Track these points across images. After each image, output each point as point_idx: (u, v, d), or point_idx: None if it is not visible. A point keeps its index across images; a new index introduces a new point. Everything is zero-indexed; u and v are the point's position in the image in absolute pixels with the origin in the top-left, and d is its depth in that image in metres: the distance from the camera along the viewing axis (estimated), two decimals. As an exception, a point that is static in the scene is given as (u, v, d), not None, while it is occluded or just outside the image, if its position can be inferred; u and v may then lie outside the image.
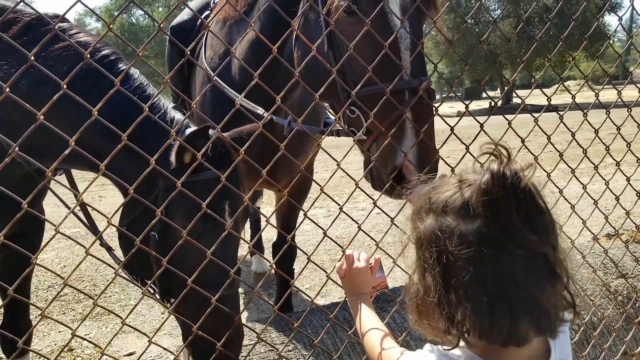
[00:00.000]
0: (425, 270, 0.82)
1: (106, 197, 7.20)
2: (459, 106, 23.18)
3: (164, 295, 1.44)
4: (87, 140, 1.05)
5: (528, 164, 0.81)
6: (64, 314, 3.38)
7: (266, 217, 1.23)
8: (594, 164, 1.72)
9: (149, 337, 1.08)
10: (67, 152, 0.90)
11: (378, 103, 1.27)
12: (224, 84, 1.85)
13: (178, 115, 1.50)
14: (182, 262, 1.25)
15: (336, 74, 1.23)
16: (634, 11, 1.75)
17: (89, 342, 1.06)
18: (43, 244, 1.75)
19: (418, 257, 0.85)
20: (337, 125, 1.51)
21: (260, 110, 1.76)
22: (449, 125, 1.38)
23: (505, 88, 29.16)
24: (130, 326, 1.04)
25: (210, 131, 1.32)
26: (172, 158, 1.29)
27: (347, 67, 1.38)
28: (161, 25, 1.01)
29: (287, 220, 2.64)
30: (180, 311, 1.36)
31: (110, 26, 0.92)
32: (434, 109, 1.41)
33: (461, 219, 0.78)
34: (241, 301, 3.51)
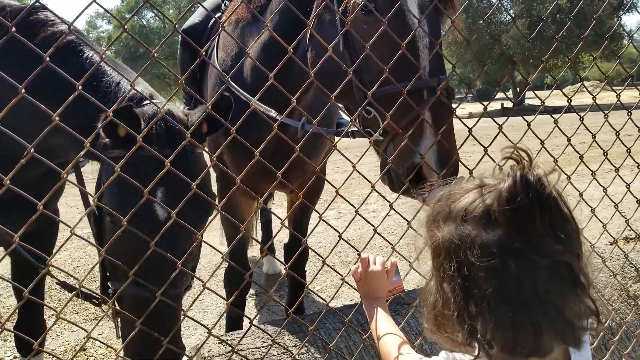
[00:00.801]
0: (444, 281, 0.79)
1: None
2: (470, 107, 23.02)
3: (103, 290, 1.32)
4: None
5: (551, 169, 0.78)
6: (77, 313, 3.40)
7: (281, 219, 1.22)
8: (615, 167, 1.68)
9: (162, 339, 1.07)
10: (82, 152, 0.89)
11: (395, 103, 1.24)
12: (236, 86, 1.84)
13: (125, 85, 1.31)
14: (115, 254, 1.13)
15: (352, 74, 1.21)
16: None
17: (102, 343, 1.06)
18: (57, 246, 1.75)
19: (435, 267, 0.81)
20: (353, 126, 1.49)
21: (273, 113, 1.75)
22: (467, 127, 1.35)
23: (518, 89, 28.95)
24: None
25: (167, 107, 1.18)
26: (101, 131, 1.13)
27: (364, 67, 1.35)
28: (176, 26, 1.00)
29: (299, 222, 2.63)
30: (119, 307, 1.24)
31: (125, 27, 0.91)
32: (453, 108, 1.38)
33: (482, 228, 0.74)
34: (252, 303, 3.51)
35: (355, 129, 1.47)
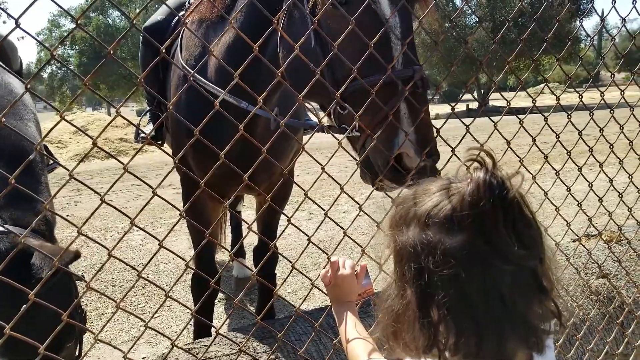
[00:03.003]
0: (405, 286, 0.76)
1: (82, 202, 7.03)
2: (437, 109, 23.44)
3: None
4: None
5: (514, 172, 0.76)
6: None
7: (248, 223, 1.18)
8: (578, 166, 1.72)
9: (123, 352, 1.02)
10: None
11: (369, 97, 1.22)
12: (204, 80, 1.79)
13: None
14: None
15: (319, 74, 1.19)
16: (600, 17, 1.76)
17: (57, 358, 1.00)
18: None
19: (396, 272, 0.79)
20: (326, 122, 1.46)
21: (244, 104, 1.70)
22: (435, 128, 1.35)
23: (482, 91, 29.66)
24: (102, 341, 0.98)
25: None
26: None
27: (337, 63, 1.33)
28: (134, 22, 0.95)
29: (268, 225, 2.59)
30: None
31: (79, 22, 0.86)
32: (427, 97, 1.36)
33: (445, 233, 0.72)
34: (222, 308, 3.45)
35: (330, 124, 1.45)
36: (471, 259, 0.70)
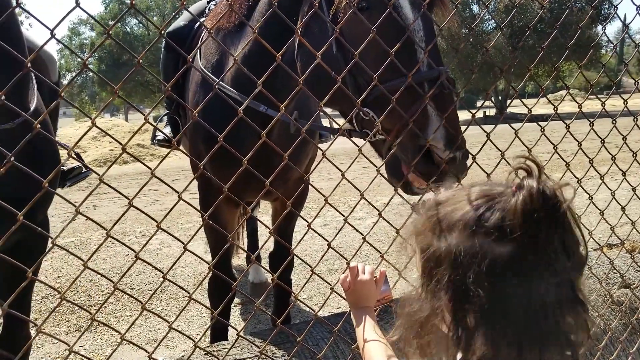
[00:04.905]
0: (439, 293, 0.73)
1: (100, 207, 7.14)
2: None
3: None
4: None
5: (564, 183, 0.74)
6: (58, 325, 3.32)
7: (269, 228, 1.20)
8: (600, 174, 1.70)
9: (148, 352, 1.04)
10: None
11: (392, 103, 1.23)
12: (226, 86, 1.82)
13: None
14: None
15: (348, 76, 1.19)
16: (623, 23, 1.74)
17: (84, 357, 1.02)
18: (40, 259, 1.70)
19: (429, 277, 0.76)
20: (347, 127, 1.46)
21: (262, 108, 1.73)
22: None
23: (500, 98, 29.40)
24: (128, 341, 1.00)
25: None
26: None
27: (359, 68, 1.33)
28: (162, 32, 0.98)
29: (284, 230, 2.61)
30: None
31: (110, 32, 0.89)
32: (455, 97, 1.35)
33: (493, 242, 0.69)
34: (238, 312, 3.47)
35: (352, 128, 1.45)
36: (519, 270, 0.68)
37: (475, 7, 28.81)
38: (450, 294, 0.72)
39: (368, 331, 1.11)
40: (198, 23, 2.37)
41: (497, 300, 0.69)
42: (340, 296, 1.28)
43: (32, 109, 1.67)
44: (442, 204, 0.78)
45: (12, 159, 0.79)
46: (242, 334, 1.30)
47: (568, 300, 0.71)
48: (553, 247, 0.69)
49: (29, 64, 0.83)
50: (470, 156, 1.34)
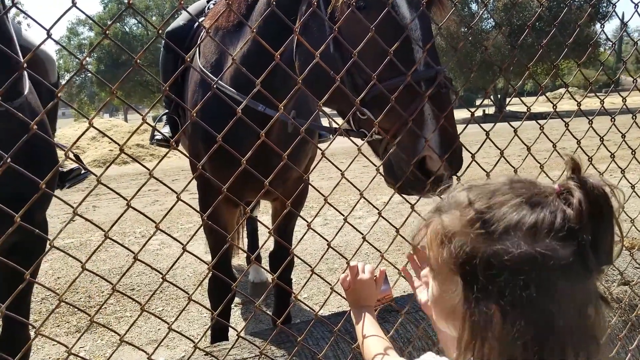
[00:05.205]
0: (486, 301, 0.67)
1: (100, 207, 7.14)
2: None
3: None
4: None
5: (608, 183, 0.73)
6: (58, 326, 3.32)
7: (269, 228, 1.20)
8: (599, 172, 1.70)
9: (147, 353, 1.04)
10: None
11: (391, 102, 1.23)
12: (225, 85, 1.82)
13: None
14: None
15: (339, 81, 1.20)
16: (621, 21, 1.74)
17: (84, 359, 1.02)
18: (38, 261, 1.70)
19: (473, 284, 0.69)
20: (345, 127, 1.46)
21: (261, 107, 1.73)
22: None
23: (499, 96, 29.42)
24: (128, 342, 1.00)
25: None
26: None
27: (357, 67, 1.32)
28: (159, 31, 0.98)
29: (284, 230, 2.60)
30: None
31: (107, 32, 0.89)
32: (452, 97, 1.35)
33: (556, 244, 0.66)
34: (238, 312, 3.47)
35: (350, 128, 1.45)
36: (575, 272, 0.66)
37: (474, 6, 28.81)
38: (502, 302, 0.66)
39: (367, 325, 1.12)
40: (196, 23, 2.37)
41: (549, 304, 0.66)
42: (341, 295, 1.28)
43: (25, 92, 1.65)
44: (482, 204, 0.72)
45: (9, 160, 0.79)
46: (242, 334, 1.30)
47: (597, 299, 0.70)
48: (607, 246, 0.69)
49: (25, 65, 0.83)
50: (470, 155, 1.34)
